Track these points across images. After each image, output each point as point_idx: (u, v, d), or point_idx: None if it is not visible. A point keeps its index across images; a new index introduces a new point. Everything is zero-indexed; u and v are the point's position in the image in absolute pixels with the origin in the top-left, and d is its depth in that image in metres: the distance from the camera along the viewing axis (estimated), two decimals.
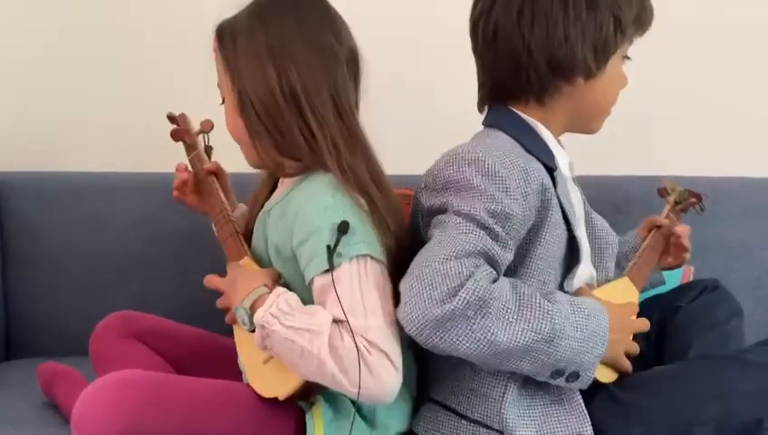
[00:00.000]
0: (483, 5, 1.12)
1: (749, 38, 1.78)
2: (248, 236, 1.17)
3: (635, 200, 1.57)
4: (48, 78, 1.73)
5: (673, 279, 1.48)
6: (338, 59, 1.06)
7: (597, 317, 1.02)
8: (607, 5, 1.08)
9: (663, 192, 1.42)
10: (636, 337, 1.13)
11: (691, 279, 1.50)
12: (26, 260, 1.58)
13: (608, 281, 1.22)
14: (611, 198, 1.60)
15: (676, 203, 1.40)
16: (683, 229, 1.34)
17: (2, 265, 1.57)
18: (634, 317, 1.15)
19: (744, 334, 1.29)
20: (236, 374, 1.14)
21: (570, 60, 1.08)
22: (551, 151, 1.13)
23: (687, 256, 1.34)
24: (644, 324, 1.13)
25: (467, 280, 0.94)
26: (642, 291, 1.31)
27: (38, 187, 1.60)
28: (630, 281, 1.23)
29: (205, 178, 1.25)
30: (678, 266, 1.36)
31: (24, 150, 1.71)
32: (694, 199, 1.41)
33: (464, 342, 0.94)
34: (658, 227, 1.33)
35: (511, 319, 0.95)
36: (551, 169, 1.10)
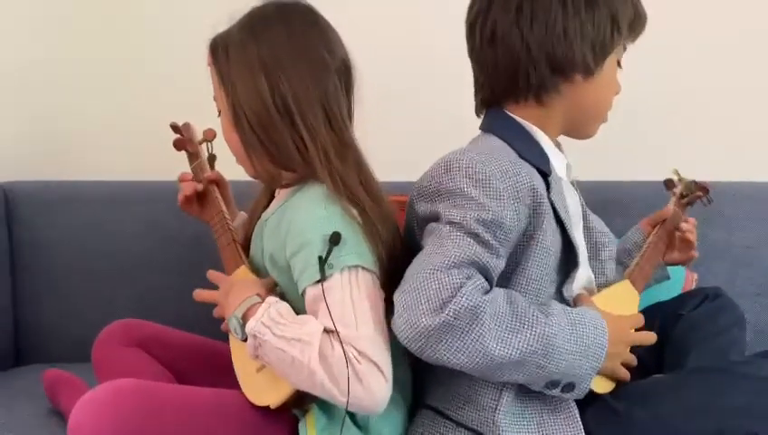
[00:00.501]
0: (480, 6, 1.12)
1: (756, 40, 1.78)
2: (247, 244, 1.18)
3: (638, 205, 1.55)
4: (54, 89, 1.75)
5: (676, 284, 1.47)
6: (329, 70, 1.08)
7: (595, 330, 1.02)
8: (605, 4, 1.09)
9: (669, 184, 1.41)
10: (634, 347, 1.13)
11: (694, 286, 1.50)
12: (34, 268, 1.61)
13: (606, 283, 1.21)
14: (614, 202, 1.60)
15: (682, 196, 1.39)
16: (688, 224, 1.33)
17: (10, 273, 1.60)
18: (638, 327, 1.13)
19: (745, 343, 1.28)
20: (235, 381, 1.14)
21: (569, 57, 1.09)
22: (546, 155, 1.13)
23: (695, 253, 1.33)
24: (649, 337, 1.12)
25: (458, 291, 0.94)
26: (646, 287, 1.30)
27: (45, 195, 1.63)
28: (631, 283, 1.23)
29: (206, 187, 1.27)
30: (685, 263, 1.35)
31: (31, 159, 1.74)
32: (700, 193, 1.40)
33: (456, 353, 0.94)
34: (663, 220, 1.32)
35: (504, 332, 0.95)
36: (545, 174, 1.10)
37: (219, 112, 1.13)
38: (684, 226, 1.32)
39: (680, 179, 1.40)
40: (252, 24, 1.09)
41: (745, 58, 1.78)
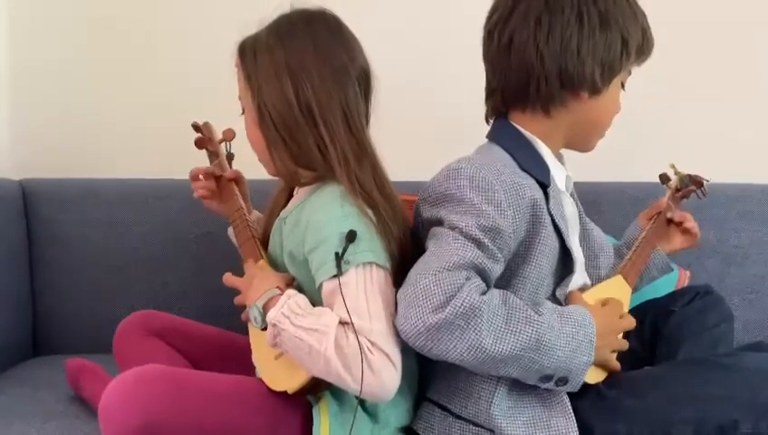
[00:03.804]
0: (501, 13, 1.16)
1: (746, 44, 1.82)
2: (265, 240, 1.22)
3: (634, 205, 1.60)
4: (72, 87, 1.78)
5: (670, 281, 1.52)
6: (350, 76, 1.12)
7: (584, 326, 1.07)
8: (617, 27, 1.14)
9: (664, 178, 1.45)
10: (629, 338, 1.18)
11: (687, 283, 1.56)
12: (51, 263, 1.64)
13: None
14: (610, 203, 1.66)
15: (677, 190, 1.43)
16: (683, 215, 1.37)
17: (28, 268, 1.64)
18: (622, 313, 1.18)
19: (733, 339, 1.33)
20: (249, 370, 1.19)
21: (579, 73, 1.13)
22: (546, 168, 1.17)
23: (698, 235, 1.37)
24: (630, 322, 1.17)
25: (458, 291, 1.00)
26: (651, 280, 1.36)
27: (62, 192, 1.66)
28: (623, 278, 1.27)
29: (225, 184, 1.31)
30: (689, 247, 1.39)
31: (49, 157, 1.78)
32: (693, 187, 1.43)
33: (454, 349, 1.00)
34: (658, 213, 1.37)
35: (499, 329, 1.00)
36: (544, 185, 1.15)
37: (243, 111, 1.18)
38: (678, 216, 1.36)
39: (676, 173, 1.44)
40: (279, 30, 1.14)
41: (738, 62, 1.82)
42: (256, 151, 1.18)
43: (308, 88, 1.10)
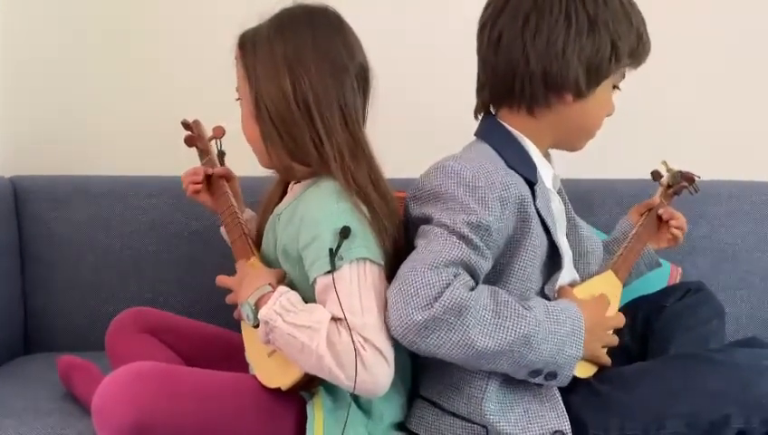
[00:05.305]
0: (493, 9, 1.16)
1: (738, 40, 1.82)
2: (258, 237, 1.22)
3: (625, 202, 1.60)
4: (63, 84, 1.78)
5: (662, 277, 1.53)
6: (348, 73, 1.13)
7: (572, 320, 1.08)
8: (607, 30, 1.13)
9: (656, 175, 1.46)
10: (621, 334, 1.19)
11: (679, 279, 1.57)
12: (43, 260, 1.63)
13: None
14: (600, 199, 1.66)
15: (669, 186, 1.43)
16: (671, 214, 1.38)
17: (20, 266, 1.63)
18: (613, 309, 1.19)
19: (724, 334, 1.34)
20: (243, 367, 1.19)
21: (563, 76, 1.13)
22: (533, 165, 1.17)
23: (679, 237, 1.38)
24: (619, 320, 1.18)
25: (446, 288, 1.00)
26: (640, 275, 1.37)
27: (54, 189, 1.65)
28: (614, 273, 1.28)
29: (216, 181, 1.31)
30: (673, 245, 1.40)
31: (40, 154, 1.77)
32: (685, 183, 1.44)
33: (444, 345, 1.01)
34: (650, 210, 1.38)
35: (488, 325, 1.01)
36: (531, 183, 1.15)
37: (241, 104, 1.17)
38: (669, 213, 1.37)
39: (668, 170, 1.45)
40: (281, 23, 1.14)
41: (730, 59, 1.82)
42: (252, 145, 1.18)
43: (305, 82, 1.10)
